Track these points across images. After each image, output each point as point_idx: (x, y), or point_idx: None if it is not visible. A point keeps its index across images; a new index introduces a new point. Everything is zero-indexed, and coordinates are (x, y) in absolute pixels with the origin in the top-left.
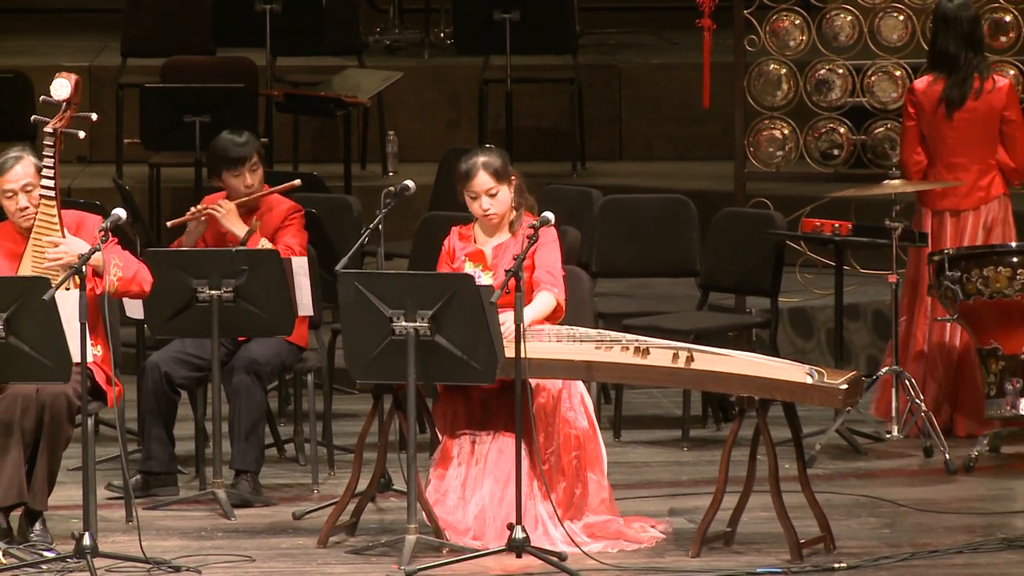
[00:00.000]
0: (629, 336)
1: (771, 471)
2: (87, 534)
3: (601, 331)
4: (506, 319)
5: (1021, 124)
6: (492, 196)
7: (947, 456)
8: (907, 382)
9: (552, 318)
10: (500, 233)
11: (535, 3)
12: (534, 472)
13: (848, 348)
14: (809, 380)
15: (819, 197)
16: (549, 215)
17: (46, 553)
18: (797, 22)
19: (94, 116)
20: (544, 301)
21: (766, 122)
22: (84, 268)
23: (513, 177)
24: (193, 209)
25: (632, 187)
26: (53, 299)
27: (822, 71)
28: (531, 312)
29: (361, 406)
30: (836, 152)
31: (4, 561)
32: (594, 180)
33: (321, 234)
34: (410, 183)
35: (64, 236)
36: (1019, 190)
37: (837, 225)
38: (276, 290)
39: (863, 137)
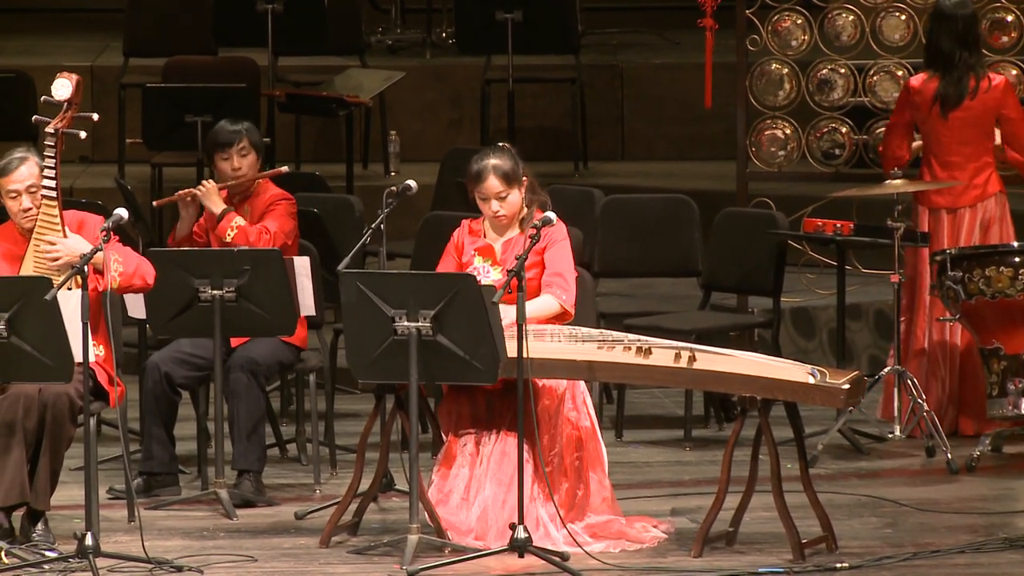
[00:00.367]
0: (631, 336)
1: (773, 471)
2: (89, 534)
3: (603, 331)
4: (506, 313)
5: (1022, 120)
6: (502, 199)
7: (949, 456)
8: (909, 382)
9: (557, 322)
10: (511, 230)
11: (537, 3)
12: (536, 475)
13: (850, 348)
14: (811, 380)
15: (821, 197)
16: (551, 215)
17: (48, 553)
18: (799, 22)
19: (95, 116)
20: (544, 303)
21: (768, 122)
22: (86, 268)
23: (524, 178)
24: (180, 192)
25: (634, 187)
26: (55, 299)
27: (824, 71)
28: (528, 310)
29: (363, 406)
30: (838, 152)
31: (6, 561)
32: (596, 180)
33: (323, 234)
34: (412, 183)
35: (65, 236)
36: (1016, 189)
37: (839, 225)
38: (278, 290)
39: (865, 137)
